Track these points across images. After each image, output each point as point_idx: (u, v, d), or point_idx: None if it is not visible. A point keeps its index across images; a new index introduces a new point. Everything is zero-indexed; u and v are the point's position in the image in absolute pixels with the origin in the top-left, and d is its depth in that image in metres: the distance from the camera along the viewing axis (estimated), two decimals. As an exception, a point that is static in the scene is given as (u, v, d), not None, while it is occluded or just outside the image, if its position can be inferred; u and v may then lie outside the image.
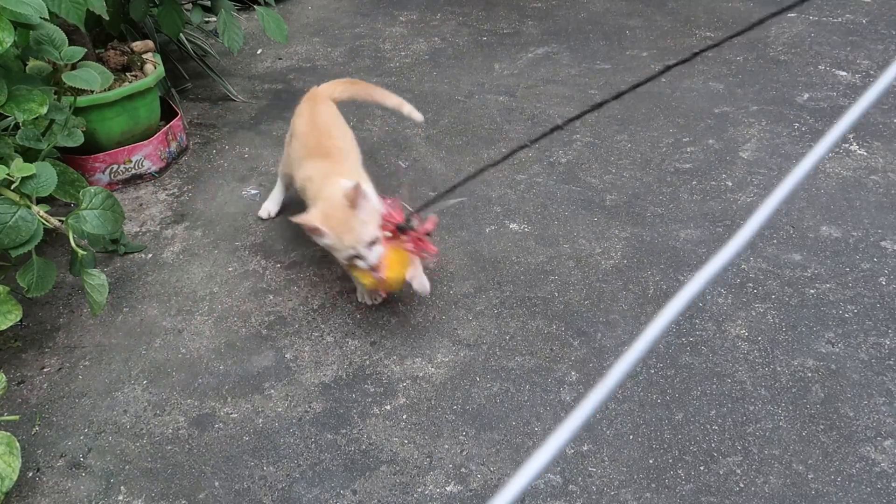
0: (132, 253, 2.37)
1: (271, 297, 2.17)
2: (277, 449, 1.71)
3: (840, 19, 3.84)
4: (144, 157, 2.71)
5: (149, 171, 2.74)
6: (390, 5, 4.36)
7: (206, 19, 3.68)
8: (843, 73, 3.28)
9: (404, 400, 1.83)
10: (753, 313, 2.02)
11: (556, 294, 2.13)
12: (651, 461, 1.65)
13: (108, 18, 2.41)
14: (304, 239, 2.39)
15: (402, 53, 3.73)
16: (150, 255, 2.36)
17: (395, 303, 2.13)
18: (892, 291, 2.07)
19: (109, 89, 2.56)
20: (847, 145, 2.75)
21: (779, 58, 3.47)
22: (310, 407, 1.82)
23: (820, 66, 3.36)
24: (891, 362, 1.85)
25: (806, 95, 3.13)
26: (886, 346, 1.90)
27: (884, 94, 2.92)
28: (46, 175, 1.76)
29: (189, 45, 3.43)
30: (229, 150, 2.94)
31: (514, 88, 3.33)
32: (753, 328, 1.98)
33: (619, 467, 1.64)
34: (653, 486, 1.59)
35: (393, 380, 1.88)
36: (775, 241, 2.28)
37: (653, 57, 3.55)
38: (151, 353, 1.99)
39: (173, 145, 2.84)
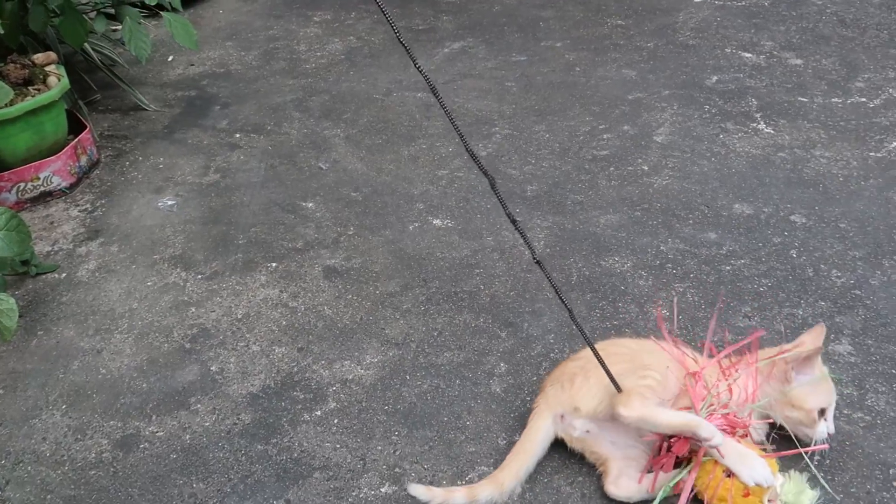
0: (44, 273, 2.28)
1: (193, 310, 2.12)
2: (207, 464, 1.68)
3: (743, 2, 3.96)
4: (53, 172, 2.61)
5: (59, 187, 2.65)
6: (303, 6, 4.31)
7: (112, 28, 3.56)
8: (749, 55, 3.39)
9: (335, 404, 1.81)
10: (673, 293, 2.07)
11: (482, 287, 2.14)
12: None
13: (2, 31, 2.32)
14: (223, 248, 2.35)
15: (318, 54, 3.69)
16: (64, 275, 2.28)
17: (321, 306, 2.10)
18: (802, 263, 2.15)
19: (11, 104, 2.46)
20: (755, 124, 2.84)
21: (687, 42, 3.56)
22: (238, 419, 1.78)
23: (727, 49, 3.46)
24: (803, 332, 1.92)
25: (714, 78, 3.22)
26: (799, 317, 1.97)
27: (785, 73, 2.99)
28: (-58, 198, 1.68)
29: (95, 55, 3.32)
30: (143, 161, 2.86)
31: (432, 84, 3.32)
32: (674, 307, 2.03)
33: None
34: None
35: (322, 385, 1.86)
36: (691, 222, 2.35)
37: (567, 47, 3.60)
38: (70, 376, 1.93)
39: (83, 159, 2.74)
